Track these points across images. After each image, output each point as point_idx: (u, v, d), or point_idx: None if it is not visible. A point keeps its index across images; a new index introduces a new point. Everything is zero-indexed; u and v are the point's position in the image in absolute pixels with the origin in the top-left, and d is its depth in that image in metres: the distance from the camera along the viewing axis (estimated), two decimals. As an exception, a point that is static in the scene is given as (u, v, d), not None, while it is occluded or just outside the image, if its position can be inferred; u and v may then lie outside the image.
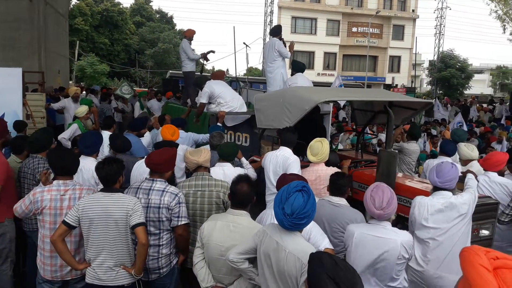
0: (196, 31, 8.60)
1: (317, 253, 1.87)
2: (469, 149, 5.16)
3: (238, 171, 3.96)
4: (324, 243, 2.74)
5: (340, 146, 9.45)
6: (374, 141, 9.67)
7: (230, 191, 2.97)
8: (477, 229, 3.74)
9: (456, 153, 5.40)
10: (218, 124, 5.87)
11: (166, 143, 4.38)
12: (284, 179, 3.08)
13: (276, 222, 2.46)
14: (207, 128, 5.89)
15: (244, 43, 9.25)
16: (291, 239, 2.37)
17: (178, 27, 46.71)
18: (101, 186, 3.94)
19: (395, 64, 41.39)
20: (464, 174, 3.83)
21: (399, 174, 5.34)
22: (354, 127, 7.76)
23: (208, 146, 4.84)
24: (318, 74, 37.78)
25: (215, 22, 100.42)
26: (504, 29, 43.47)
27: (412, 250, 2.88)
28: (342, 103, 14.90)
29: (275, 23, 35.02)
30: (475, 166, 4.90)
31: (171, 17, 47.75)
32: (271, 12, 37.22)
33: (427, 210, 3.21)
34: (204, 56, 8.79)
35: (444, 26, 42.24)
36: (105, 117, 7.56)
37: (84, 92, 13.93)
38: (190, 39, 8.48)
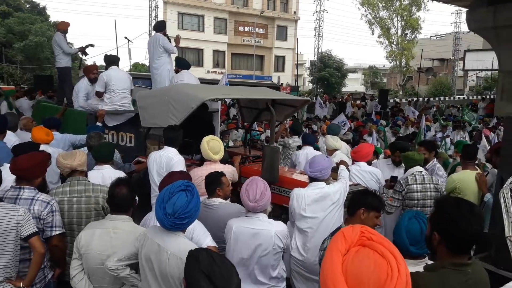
0: (70, 23, 7.94)
1: (196, 250, 1.85)
2: (334, 140, 5.69)
3: (119, 174, 3.73)
4: (207, 241, 2.75)
5: (231, 143, 9.58)
6: (263, 137, 10.01)
7: (108, 195, 2.80)
8: (350, 215, 4.07)
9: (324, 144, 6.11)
10: (98, 123, 5.48)
11: (28, 145, 3.96)
12: (169, 178, 2.98)
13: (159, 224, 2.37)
14: (85, 128, 5.46)
15: (125, 38, 8.80)
16: (173, 240, 2.31)
17: (52, 19, 42.55)
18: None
19: (280, 63, 43.41)
20: (337, 165, 4.15)
21: (285, 168, 5.60)
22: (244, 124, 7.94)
23: (85, 148, 4.49)
24: (208, 71, 37.86)
25: (95, 15, 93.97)
26: (373, 32, 48.82)
27: (287, 240, 3.03)
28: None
29: (160, 18, 34.06)
30: (338, 155, 5.41)
31: (44, 8, 43.38)
32: (156, 6, 36.12)
33: (305, 201, 3.40)
34: (82, 50, 8.17)
35: (322, 28, 45.60)
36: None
37: None
38: (64, 32, 7.80)
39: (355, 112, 18.46)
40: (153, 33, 7.37)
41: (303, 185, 3.79)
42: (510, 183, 1.84)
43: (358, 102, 22.66)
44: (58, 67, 7.95)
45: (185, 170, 3.92)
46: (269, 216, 3.22)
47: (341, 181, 3.67)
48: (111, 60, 6.29)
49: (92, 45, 8.31)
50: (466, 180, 4.40)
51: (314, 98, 20.93)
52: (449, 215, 1.84)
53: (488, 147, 7.10)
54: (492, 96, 26.45)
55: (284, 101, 5.62)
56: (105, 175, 3.77)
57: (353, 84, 56.94)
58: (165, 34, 7.08)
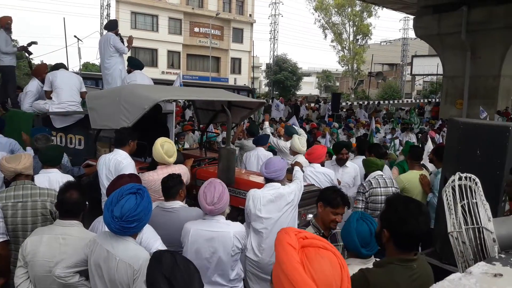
0: (12, 18, 7.47)
1: (160, 251, 1.83)
2: (300, 143, 5.73)
3: (66, 178, 3.59)
4: (156, 245, 2.69)
5: (186, 145, 9.46)
6: (220, 139, 9.96)
7: (57, 199, 2.70)
8: (305, 214, 4.15)
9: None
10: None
11: None
12: (118, 182, 2.90)
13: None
14: (31, 131, 5.20)
15: (75, 36, 8.44)
16: (122, 246, 2.26)
17: (-5, 15, 40.08)
18: None
19: (236, 65, 43.50)
20: (292, 166, 4.21)
21: (242, 170, 5.60)
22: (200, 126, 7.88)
23: (31, 151, 4.29)
24: (163, 72, 37.23)
25: (42, 12, 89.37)
26: (326, 36, 50.14)
27: (245, 240, 3.05)
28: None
29: (113, 17, 33.07)
30: (300, 158, 5.49)
31: (-14, 3, 40.83)
32: (108, 5, 35.06)
33: (260, 201, 3.42)
34: (24, 49, 7.74)
35: (277, 31, 46.24)
36: None
37: None
38: (6, 28, 7.34)
39: (310, 115, 18.87)
40: (105, 32, 7.15)
41: (259, 186, 3.80)
42: (452, 182, 1.95)
43: (312, 105, 23.13)
44: (0, 66, 7.50)
45: (135, 173, 3.82)
46: (226, 218, 3.22)
47: (295, 182, 3.72)
48: (57, 66, 6.25)
49: (35, 43, 7.90)
50: (413, 180, 4.62)
51: (271, 100, 21.15)
52: (398, 213, 1.93)
53: (433, 148, 7.46)
54: (437, 100, 27.92)
55: (240, 103, 5.63)
56: (52, 179, 3.62)
57: (308, 87, 58.03)
58: (117, 34, 6.89)
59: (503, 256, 1.40)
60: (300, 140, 5.82)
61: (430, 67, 38.63)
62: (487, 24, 16.84)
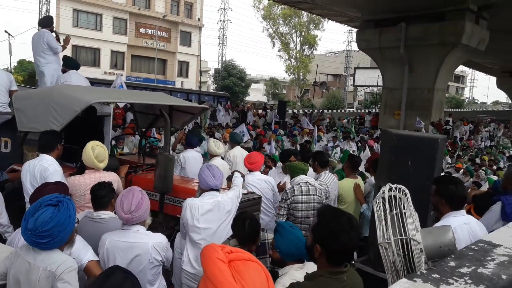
0: None
1: (109, 269, 1.85)
2: (216, 145, 5.80)
3: None
4: (88, 256, 2.53)
5: (126, 149, 9.10)
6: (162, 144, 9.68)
7: None
8: (245, 223, 4.08)
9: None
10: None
11: None
12: (41, 190, 2.68)
13: None
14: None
15: (6, 32, 7.87)
16: (46, 256, 2.09)
17: None
18: None
19: (183, 69, 42.93)
20: (232, 173, 4.14)
21: (183, 178, 5.44)
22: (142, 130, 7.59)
23: None
24: (105, 72, 35.80)
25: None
26: (274, 45, 50.95)
27: (167, 252, 2.88)
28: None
29: (53, 13, 31.30)
30: (216, 160, 5.57)
31: None
32: (48, 0, 33.19)
33: (198, 211, 3.27)
34: None
35: (226, 37, 46.31)
36: None
37: None
38: None
39: (257, 121, 18.99)
40: (39, 29, 6.72)
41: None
42: (382, 193, 1.97)
43: (260, 111, 23.31)
44: None
45: (63, 180, 3.56)
46: (162, 227, 3.06)
47: (233, 189, 3.63)
48: None
49: None
50: (347, 188, 4.73)
51: (219, 105, 21.05)
52: (330, 228, 1.90)
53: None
54: (377, 110, 29.19)
55: (181, 108, 5.48)
56: None
57: (256, 94, 58.63)
58: (52, 31, 6.50)
59: (424, 272, 1.41)
60: (215, 143, 5.89)
61: (371, 78, 40.35)
62: (423, 40, 17.90)
